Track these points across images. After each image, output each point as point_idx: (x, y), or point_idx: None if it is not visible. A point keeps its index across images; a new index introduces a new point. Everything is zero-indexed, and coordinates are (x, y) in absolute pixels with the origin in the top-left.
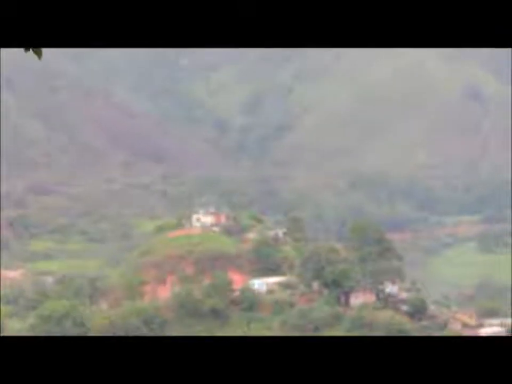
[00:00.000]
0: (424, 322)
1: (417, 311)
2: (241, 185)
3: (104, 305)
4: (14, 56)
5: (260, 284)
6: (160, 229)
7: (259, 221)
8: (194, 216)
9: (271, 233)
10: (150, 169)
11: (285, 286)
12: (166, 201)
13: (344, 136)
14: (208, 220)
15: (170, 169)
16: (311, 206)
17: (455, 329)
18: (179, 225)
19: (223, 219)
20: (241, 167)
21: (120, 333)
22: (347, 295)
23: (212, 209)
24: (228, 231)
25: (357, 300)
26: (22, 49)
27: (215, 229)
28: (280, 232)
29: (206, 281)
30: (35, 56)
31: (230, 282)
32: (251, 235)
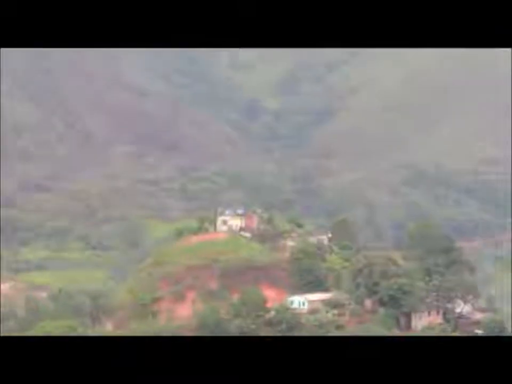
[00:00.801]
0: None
1: (495, 335)
2: (277, 181)
3: (109, 327)
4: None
5: (300, 302)
6: (178, 234)
7: (298, 224)
8: (220, 219)
9: (313, 239)
10: (164, 161)
11: (330, 304)
12: (185, 200)
13: (399, 123)
14: (236, 223)
15: (189, 161)
16: (361, 207)
17: None
18: (201, 230)
19: (254, 222)
20: (275, 159)
21: None
22: (407, 315)
23: (241, 210)
24: (260, 237)
25: (419, 321)
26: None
27: (245, 234)
28: (324, 238)
29: (234, 298)
30: None
31: (263, 300)
32: (289, 242)
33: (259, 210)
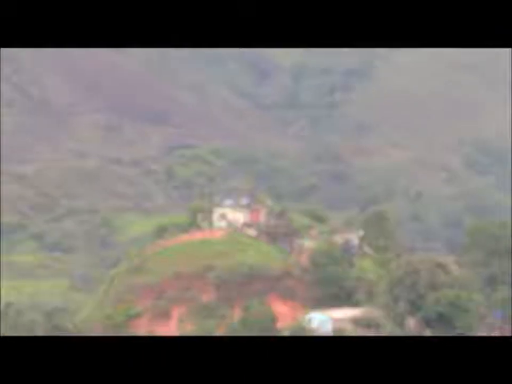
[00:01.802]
0: None
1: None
2: (293, 162)
3: None
4: None
5: (322, 320)
6: (161, 232)
7: (320, 219)
8: (217, 211)
9: (339, 238)
10: (145, 135)
11: (361, 323)
12: (171, 187)
13: (462, 85)
14: (238, 217)
15: (179, 136)
16: (406, 196)
17: None
18: (192, 226)
19: (262, 216)
20: (292, 134)
21: None
22: None
23: (245, 200)
24: (270, 236)
25: None
26: None
27: (250, 231)
28: (354, 238)
29: (235, 315)
30: None
31: (272, 317)
32: (307, 242)
33: (269, 201)
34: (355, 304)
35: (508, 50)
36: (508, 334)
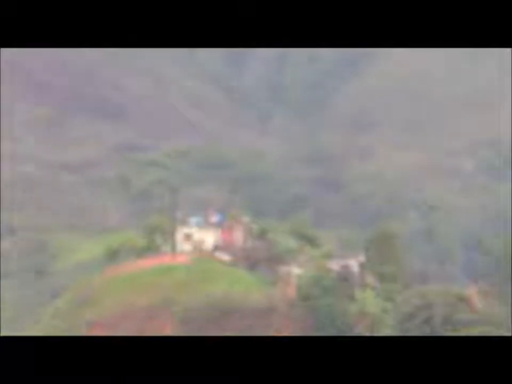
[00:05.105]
0: None
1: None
2: (277, 168)
3: None
4: None
5: None
6: (112, 256)
7: (311, 240)
8: (181, 231)
9: (335, 265)
10: (94, 134)
11: None
12: (124, 198)
13: (479, 75)
14: (207, 238)
15: (135, 135)
16: (415, 210)
17: None
18: (150, 248)
19: (238, 237)
20: (273, 133)
21: None
22: None
23: (216, 217)
24: (248, 261)
25: None
26: None
27: (223, 256)
28: (354, 264)
29: None
30: None
31: None
32: (295, 269)
33: (246, 218)
34: None
35: None
36: None
